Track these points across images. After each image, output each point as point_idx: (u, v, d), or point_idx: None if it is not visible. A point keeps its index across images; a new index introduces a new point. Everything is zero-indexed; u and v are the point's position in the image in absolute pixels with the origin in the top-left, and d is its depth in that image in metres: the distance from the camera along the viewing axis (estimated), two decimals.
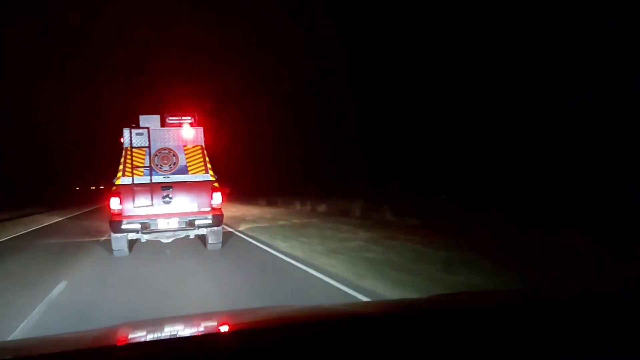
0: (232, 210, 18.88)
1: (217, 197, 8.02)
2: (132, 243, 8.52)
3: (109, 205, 7.87)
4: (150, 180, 7.84)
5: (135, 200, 7.71)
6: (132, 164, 7.85)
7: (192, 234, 8.46)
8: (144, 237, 8.21)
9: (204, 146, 8.30)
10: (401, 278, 5.71)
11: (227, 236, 10.20)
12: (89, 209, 28.76)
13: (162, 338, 1.48)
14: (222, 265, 7.48)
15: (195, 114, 8.36)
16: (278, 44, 33.31)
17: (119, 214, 7.71)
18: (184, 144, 8.22)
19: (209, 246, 8.58)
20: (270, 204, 25.50)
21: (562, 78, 16.72)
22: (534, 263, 6.39)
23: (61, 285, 5.95)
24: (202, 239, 8.96)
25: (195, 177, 8.06)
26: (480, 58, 20.63)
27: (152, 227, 7.82)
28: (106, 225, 8.69)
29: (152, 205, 7.77)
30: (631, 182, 13.19)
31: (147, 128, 8.07)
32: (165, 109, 8.39)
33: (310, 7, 30.21)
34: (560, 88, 16.81)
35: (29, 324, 4.36)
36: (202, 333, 1.56)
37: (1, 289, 5.86)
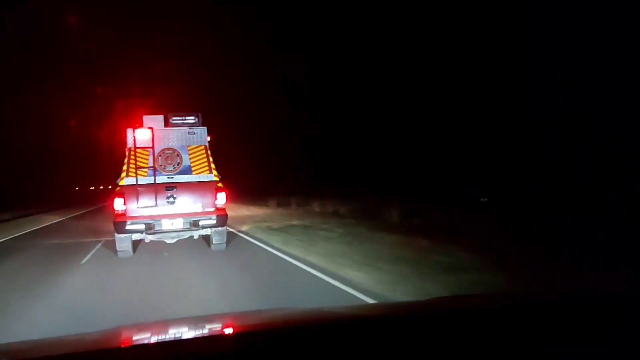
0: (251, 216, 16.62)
1: (221, 198, 8.03)
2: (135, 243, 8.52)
3: (112, 205, 7.87)
4: (154, 180, 7.84)
5: (139, 201, 7.71)
6: (135, 164, 7.85)
7: (196, 234, 8.46)
8: (148, 238, 8.21)
9: (207, 146, 8.31)
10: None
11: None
12: (89, 209, 28.71)
13: (163, 340, 1.47)
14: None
15: (199, 114, 8.37)
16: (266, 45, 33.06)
17: (123, 214, 7.71)
18: (188, 144, 8.23)
19: (213, 246, 8.58)
20: (282, 204, 22.47)
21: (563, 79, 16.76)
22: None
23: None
24: (207, 239, 8.96)
25: (199, 177, 8.07)
26: (481, 58, 20.67)
27: (156, 228, 7.82)
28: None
29: (156, 205, 7.77)
30: (631, 182, 13.24)
31: (151, 128, 8.07)
32: (169, 109, 8.39)
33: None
34: (561, 89, 16.86)
35: None
36: (204, 335, 1.55)
37: None
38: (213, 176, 8.12)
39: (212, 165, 8.17)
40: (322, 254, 7.85)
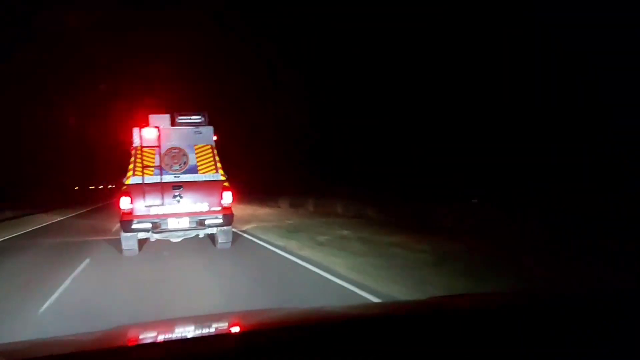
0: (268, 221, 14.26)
1: (228, 197, 8.07)
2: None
3: (118, 204, 7.90)
4: (161, 179, 7.88)
5: (146, 200, 7.75)
6: (142, 163, 7.88)
7: (202, 233, 8.50)
8: (154, 237, 8.25)
9: (214, 145, 8.35)
10: None
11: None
12: (89, 208, 28.69)
13: (164, 340, 1.47)
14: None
15: (206, 113, 8.41)
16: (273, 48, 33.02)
17: (130, 213, 7.74)
18: (194, 144, 8.26)
19: (218, 245, 8.62)
20: (294, 205, 20.96)
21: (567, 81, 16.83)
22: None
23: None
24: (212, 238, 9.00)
25: (206, 176, 8.11)
26: (479, 59, 20.73)
27: (162, 227, 7.86)
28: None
29: (162, 204, 7.81)
30: (631, 182, 13.33)
31: (157, 127, 8.10)
32: (175, 109, 8.42)
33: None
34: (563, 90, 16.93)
35: None
36: (205, 335, 1.54)
37: None
38: (219, 175, 8.16)
39: (219, 165, 8.21)
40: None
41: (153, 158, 8.01)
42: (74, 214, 22.96)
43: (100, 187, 66.99)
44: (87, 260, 7.89)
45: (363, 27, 25.50)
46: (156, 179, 7.87)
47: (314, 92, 29.72)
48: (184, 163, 8.12)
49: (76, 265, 7.46)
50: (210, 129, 8.43)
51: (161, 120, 8.23)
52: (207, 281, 6.29)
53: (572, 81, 16.61)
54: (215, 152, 8.29)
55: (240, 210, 16.12)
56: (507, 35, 19.00)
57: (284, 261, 7.60)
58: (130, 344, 1.46)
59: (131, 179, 7.84)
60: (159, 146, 8.03)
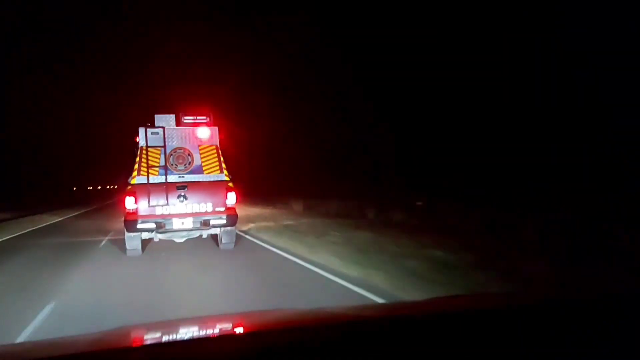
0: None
1: (232, 197, 8.07)
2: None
3: (123, 204, 7.90)
4: (166, 179, 7.88)
5: (151, 200, 7.75)
6: (147, 163, 7.89)
7: (205, 233, 8.50)
8: (158, 237, 8.25)
9: (219, 146, 8.35)
10: None
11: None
12: (88, 209, 28.65)
13: (164, 341, 1.47)
14: None
15: (211, 114, 8.42)
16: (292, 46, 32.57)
17: (134, 213, 7.73)
18: (199, 144, 8.27)
19: (221, 246, 8.62)
20: (309, 207, 19.81)
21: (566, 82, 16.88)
22: None
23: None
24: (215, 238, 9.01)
25: (210, 176, 8.11)
26: (479, 60, 20.77)
27: (166, 227, 7.85)
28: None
29: (167, 204, 7.81)
30: (631, 182, 13.39)
31: (163, 127, 8.11)
32: (180, 109, 8.41)
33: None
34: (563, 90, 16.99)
35: None
36: (205, 336, 1.54)
37: None
38: (224, 176, 8.17)
39: (223, 165, 8.21)
40: None
41: (158, 158, 8.01)
42: (73, 214, 22.92)
43: (99, 187, 66.86)
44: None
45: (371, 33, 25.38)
46: (161, 179, 7.87)
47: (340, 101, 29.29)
48: (189, 163, 8.12)
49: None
50: (216, 129, 8.44)
51: (166, 120, 8.24)
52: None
53: (572, 81, 16.66)
54: (220, 152, 8.30)
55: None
56: (507, 36, 19.04)
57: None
58: (132, 345, 1.46)
59: (136, 179, 7.83)
60: (164, 146, 8.04)
